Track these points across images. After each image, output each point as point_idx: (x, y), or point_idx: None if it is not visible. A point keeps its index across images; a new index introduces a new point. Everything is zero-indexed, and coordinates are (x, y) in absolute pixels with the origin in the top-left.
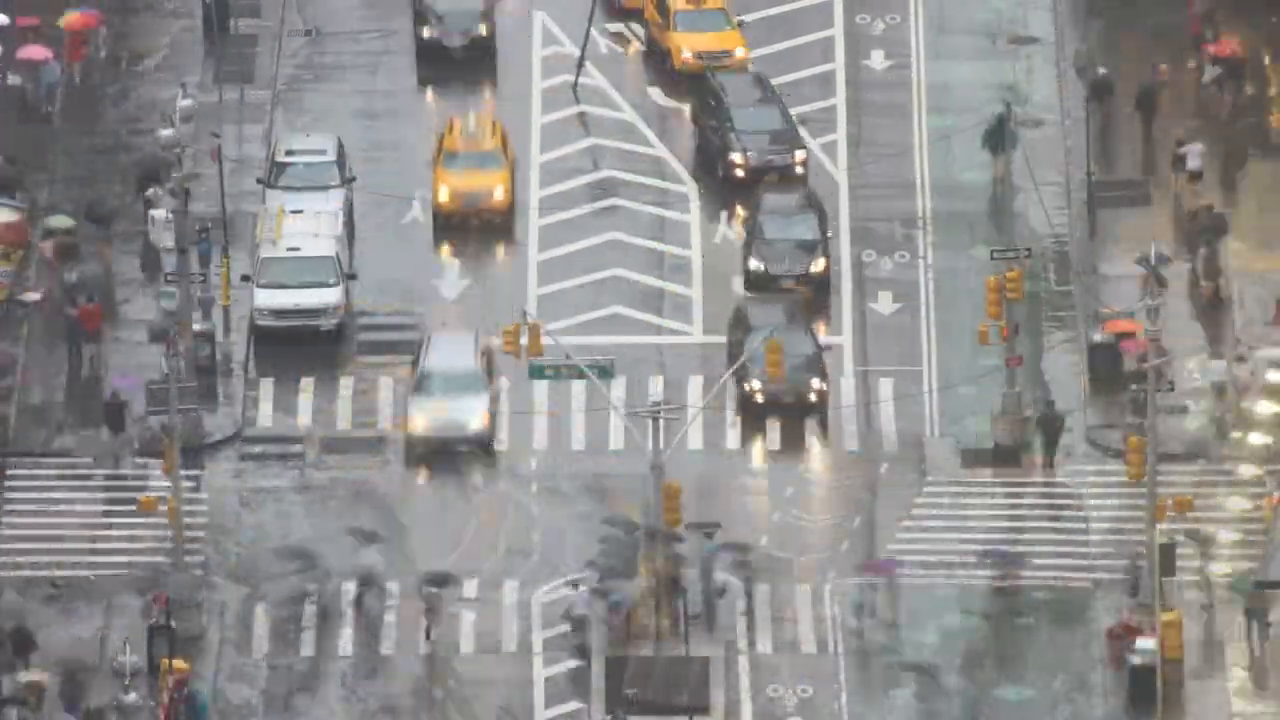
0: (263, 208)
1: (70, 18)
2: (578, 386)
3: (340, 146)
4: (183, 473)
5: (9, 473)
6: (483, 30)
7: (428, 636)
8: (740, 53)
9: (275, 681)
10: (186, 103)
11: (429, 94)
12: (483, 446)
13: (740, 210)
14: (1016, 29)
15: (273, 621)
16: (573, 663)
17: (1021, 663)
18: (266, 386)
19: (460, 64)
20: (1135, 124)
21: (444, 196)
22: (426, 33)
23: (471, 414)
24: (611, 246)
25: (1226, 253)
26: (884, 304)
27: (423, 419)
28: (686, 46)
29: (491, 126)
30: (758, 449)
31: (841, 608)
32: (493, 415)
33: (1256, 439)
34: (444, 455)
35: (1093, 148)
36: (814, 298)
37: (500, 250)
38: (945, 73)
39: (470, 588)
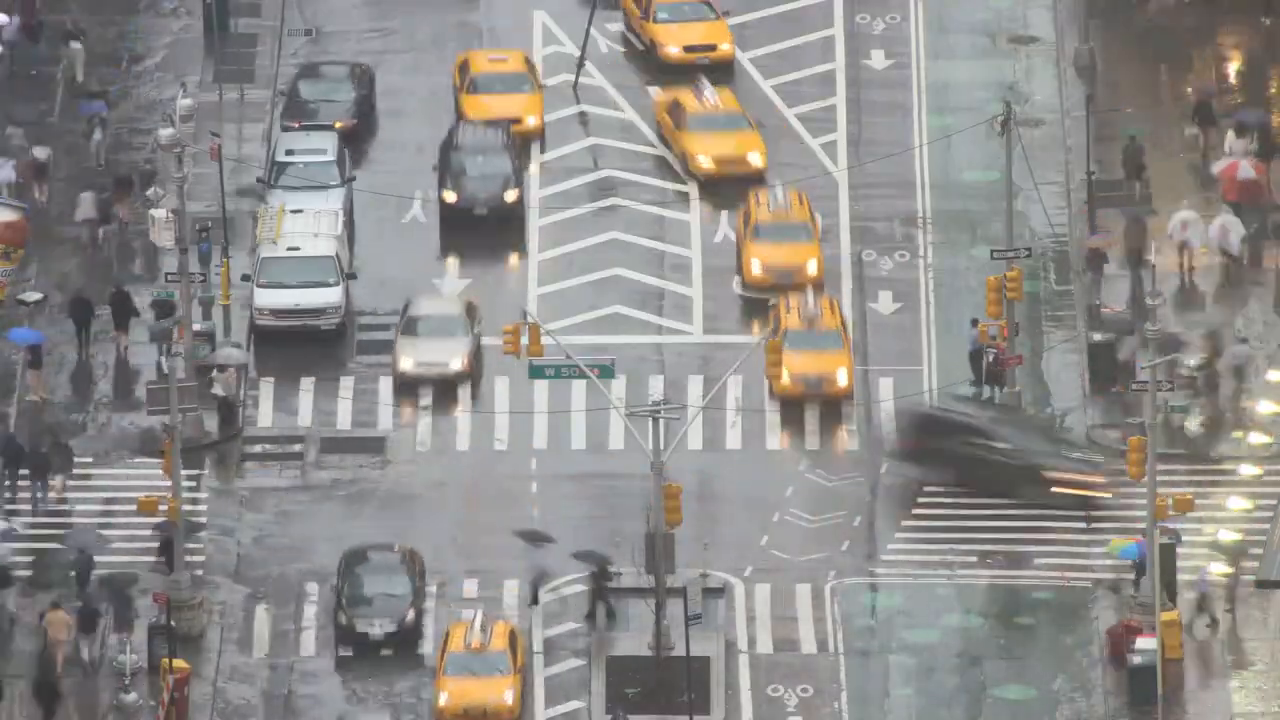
0: (263, 207)
1: None
2: (578, 386)
3: (340, 146)
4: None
5: None
6: (509, 197)
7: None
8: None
9: (275, 682)
10: (186, 102)
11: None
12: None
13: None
14: (1016, 29)
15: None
16: (573, 662)
17: (1021, 663)
18: (266, 386)
19: (485, 230)
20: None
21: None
22: (451, 197)
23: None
24: (612, 246)
25: None
26: (884, 303)
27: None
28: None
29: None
30: (757, 448)
31: (842, 607)
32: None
33: (1257, 438)
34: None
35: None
36: None
37: (501, 250)
38: (945, 72)
39: (470, 587)
